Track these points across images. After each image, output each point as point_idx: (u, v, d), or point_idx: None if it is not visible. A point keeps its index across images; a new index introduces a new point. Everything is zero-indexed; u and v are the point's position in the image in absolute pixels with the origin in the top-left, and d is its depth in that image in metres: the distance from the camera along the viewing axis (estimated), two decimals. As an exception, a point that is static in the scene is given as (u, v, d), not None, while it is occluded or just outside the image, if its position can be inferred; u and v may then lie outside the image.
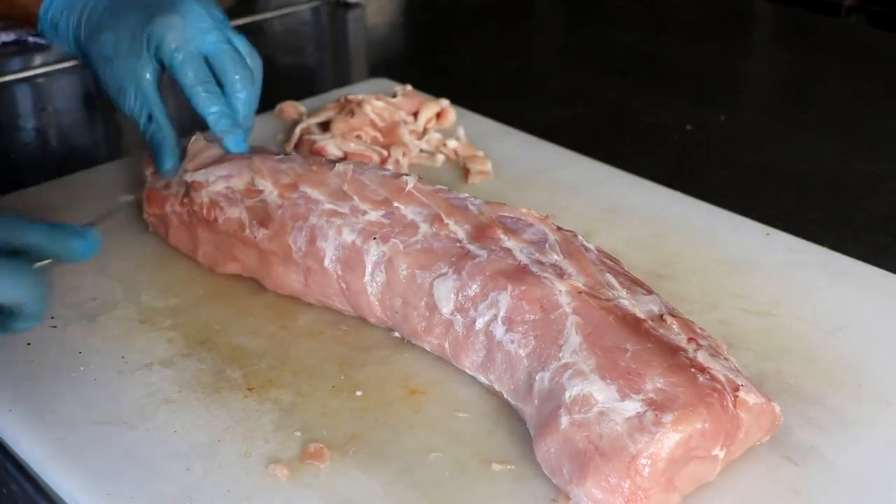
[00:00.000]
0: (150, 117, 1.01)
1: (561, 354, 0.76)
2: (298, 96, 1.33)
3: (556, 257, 0.83)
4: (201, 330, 0.92)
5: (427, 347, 0.88)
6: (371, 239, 0.89)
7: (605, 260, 0.85)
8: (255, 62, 1.05)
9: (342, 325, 0.92)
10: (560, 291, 0.79)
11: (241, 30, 1.08)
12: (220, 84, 1.02)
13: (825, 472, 0.77)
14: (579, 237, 0.87)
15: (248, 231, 0.95)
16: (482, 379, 0.83)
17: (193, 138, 1.04)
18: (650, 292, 0.82)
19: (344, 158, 1.13)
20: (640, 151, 1.31)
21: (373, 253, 0.88)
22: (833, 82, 1.59)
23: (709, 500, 0.75)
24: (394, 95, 1.28)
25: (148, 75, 1.01)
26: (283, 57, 1.70)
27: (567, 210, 1.10)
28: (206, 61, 1.02)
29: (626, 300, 0.80)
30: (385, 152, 1.17)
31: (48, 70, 1.51)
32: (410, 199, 0.91)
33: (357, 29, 1.76)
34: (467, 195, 0.91)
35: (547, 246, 0.85)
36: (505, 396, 0.81)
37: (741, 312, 0.94)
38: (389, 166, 1.15)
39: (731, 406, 0.73)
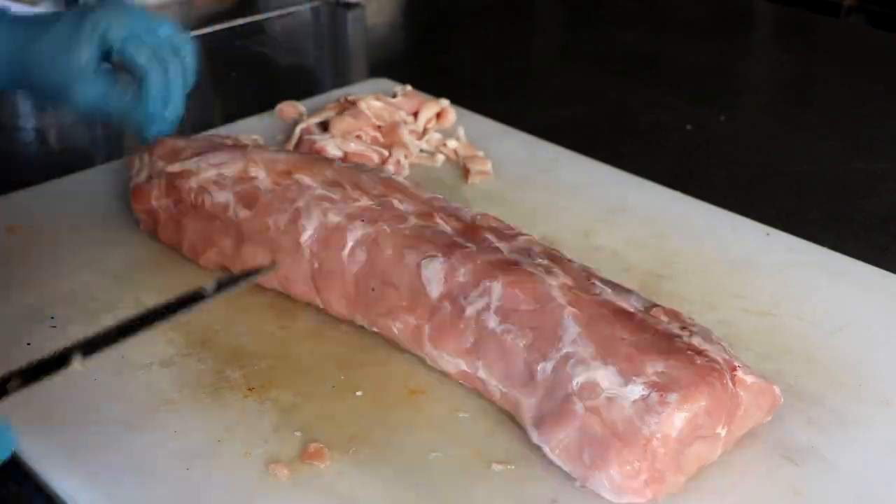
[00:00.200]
0: (115, 96, 0.95)
1: (561, 345, 0.77)
2: (298, 96, 1.33)
3: (542, 261, 0.84)
4: (201, 330, 0.92)
5: (395, 330, 0.87)
6: (357, 220, 0.89)
7: (587, 269, 0.86)
8: (187, 50, 0.98)
9: (342, 325, 0.92)
10: (552, 286, 0.80)
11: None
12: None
13: (825, 472, 0.77)
14: (563, 253, 0.88)
15: (230, 212, 0.95)
16: (462, 364, 0.83)
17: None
18: (631, 292, 0.83)
19: (344, 158, 1.13)
20: (640, 151, 1.31)
21: (357, 231, 0.89)
22: (833, 82, 1.58)
23: (709, 500, 0.75)
24: (394, 95, 1.28)
25: (96, 60, 0.94)
26: (283, 57, 1.70)
27: (567, 210, 1.10)
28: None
29: (613, 297, 0.81)
30: (385, 152, 1.17)
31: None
32: (405, 196, 0.91)
33: (357, 29, 1.76)
34: (458, 205, 0.92)
35: (533, 253, 0.86)
36: (493, 384, 0.81)
37: (741, 312, 0.94)
38: (390, 167, 1.15)
39: (730, 384, 0.74)
